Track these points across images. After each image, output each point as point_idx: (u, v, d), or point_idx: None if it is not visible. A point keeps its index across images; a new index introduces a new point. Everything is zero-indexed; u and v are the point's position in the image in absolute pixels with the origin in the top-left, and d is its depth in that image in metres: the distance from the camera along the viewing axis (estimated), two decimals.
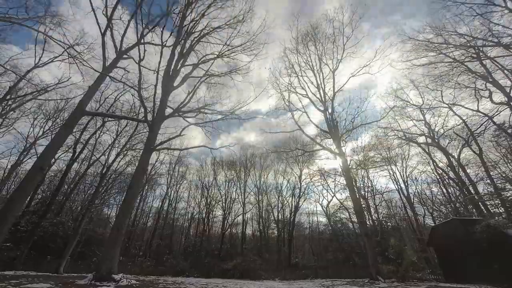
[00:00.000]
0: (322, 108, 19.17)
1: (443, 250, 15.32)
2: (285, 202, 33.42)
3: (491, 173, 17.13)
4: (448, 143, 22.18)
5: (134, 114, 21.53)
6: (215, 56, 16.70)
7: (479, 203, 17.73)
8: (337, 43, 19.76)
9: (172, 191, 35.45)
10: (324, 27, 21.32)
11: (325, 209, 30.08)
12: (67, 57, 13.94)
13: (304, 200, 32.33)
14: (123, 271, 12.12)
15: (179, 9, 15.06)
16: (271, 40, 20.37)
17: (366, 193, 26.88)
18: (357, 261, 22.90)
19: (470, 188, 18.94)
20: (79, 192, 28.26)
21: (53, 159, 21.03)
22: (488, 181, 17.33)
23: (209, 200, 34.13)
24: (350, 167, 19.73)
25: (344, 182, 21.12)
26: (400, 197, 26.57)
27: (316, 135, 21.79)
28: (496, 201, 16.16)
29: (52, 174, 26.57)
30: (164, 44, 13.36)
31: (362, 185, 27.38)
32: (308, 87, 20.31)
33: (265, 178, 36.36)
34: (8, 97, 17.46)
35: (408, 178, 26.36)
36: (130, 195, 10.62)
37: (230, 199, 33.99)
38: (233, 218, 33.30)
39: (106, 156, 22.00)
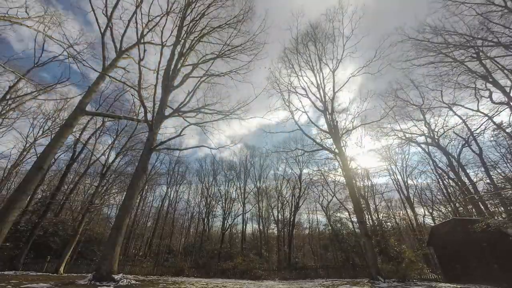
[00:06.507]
0: (322, 108, 19.16)
1: (443, 250, 15.32)
2: (285, 202, 33.46)
3: (491, 173, 17.13)
4: (448, 143, 22.23)
5: (134, 114, 21.48)
6: (215, 56, 16.69)
7: (479, 203, 17.73)
8: (337, 43, 19.79)
9: (172, 191, 35.52)
10: (324, 26, 21.26)
11: (325, 209, 30.09)
12: (67, 57, 13.92)
13: (304, 200, 32.35)
14: (123, 271, 12.14)
15: (179, 8, 15.07)
16: (270, 40, 20.30)
17: (366, 193, 26.91)
18: (357, 261, 22.89)
19: (470, 188, 18.94)
20: (79, 192, 28.28)
21: (53, 159, 21.05)
22: (488, 181, 17.34)
23: (209, 200, 34.18)
24: (350, 167, 19.72)
25: (344, 182, 21.11)
26: (400, 197, 26.62)
27: (316, 135, 21.83)
28: (496, 201, 16.14)
29: (52, 174, 26.61)
30: (164, 44, 13.34)
31: (362, 185, 27.42)
32: (308, 87, 20.30)
33: (265, 178, 36.47)
34: (8, 97, 17.46)
35: (408, 178, 26.40)
36: (130, 195, 10.62)
37: (230, 199, 34.03)
38: (233, 218, 33.37)
39: (106, 156, 21.99)
